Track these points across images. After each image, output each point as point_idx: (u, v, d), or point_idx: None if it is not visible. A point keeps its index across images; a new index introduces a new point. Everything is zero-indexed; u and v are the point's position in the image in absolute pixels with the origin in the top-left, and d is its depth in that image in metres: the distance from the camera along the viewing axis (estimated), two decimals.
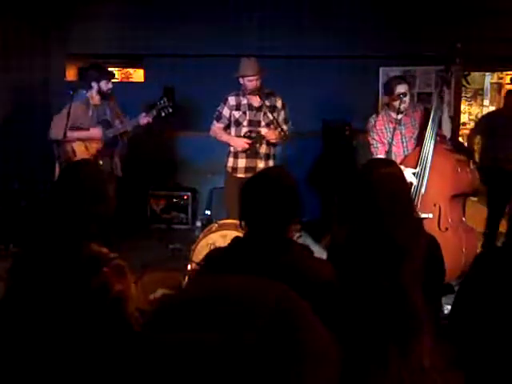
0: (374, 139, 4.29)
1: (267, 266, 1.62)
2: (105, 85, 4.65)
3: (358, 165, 5.77)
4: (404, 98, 4.09)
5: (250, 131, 4.48)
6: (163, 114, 4.70)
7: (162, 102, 4.70)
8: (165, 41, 6.16)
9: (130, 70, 8.39)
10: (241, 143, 4.46)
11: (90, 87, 4.64)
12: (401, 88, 4.10)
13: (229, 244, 1.82)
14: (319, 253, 3.07)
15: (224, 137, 4.59)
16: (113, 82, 4.75)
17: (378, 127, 4.25)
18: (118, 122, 4.73)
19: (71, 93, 4.49)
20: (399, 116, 4.18)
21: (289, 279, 1.58)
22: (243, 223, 1.80)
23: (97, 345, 1.70)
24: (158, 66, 6.37)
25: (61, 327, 1.69)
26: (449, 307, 3.99)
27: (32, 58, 6.20)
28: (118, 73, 8.26)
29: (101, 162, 4.63)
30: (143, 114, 4.67)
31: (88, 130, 4.61)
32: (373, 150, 4.32)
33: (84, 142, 4.62)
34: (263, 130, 4.47)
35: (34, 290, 1.73)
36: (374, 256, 1.67)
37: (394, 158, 4.20)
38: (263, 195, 1.77)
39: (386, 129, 4.25)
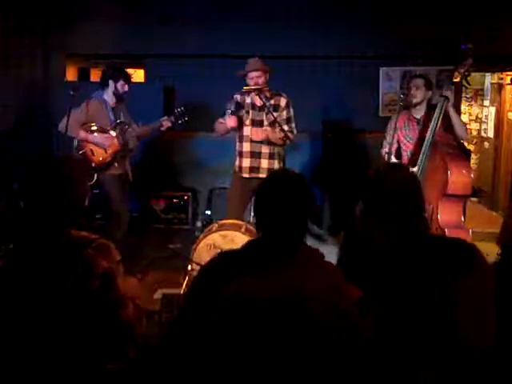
0: (389, 134, 4.42)
1: (283, 267, 1.60)
2: (121, 86, 4.63)
3: (357, 165, 5.78)
4: (416, 92, 4.25)
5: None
6: (180, 122, 4.79)
7: (180, 109, 4.78)
8: (165, 41, 6.15)
9: (130, 70, 8.37)
10: (229, 121, 4.42)
11: (107, 86, 4.63)
12: (414, 82, 4.28)
13: (242, 246, 1.78)
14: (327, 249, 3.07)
15: (221, 126, 4.54)
16: (129, 86, 4.73)
17: (398, 124, 4.33)
18: (135, 126, 4.74)
19: (72, 93, 4.49)
20: (419, 115, 4.31)
21: (304, 279, 1.58)
22: (259, 226, 1.77)
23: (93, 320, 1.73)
24: (158, 66, 6.36)
25: (54, 312, 1.72)
26: None
27: (32, 58, 6.21)
28: None
29: (116, 165, 4.64)
30: (165, 118, 4.74)
31: (105, 133, 4.61)
32: (384, 142, 4.46)
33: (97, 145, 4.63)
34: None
35: (22, 283, 1.77)
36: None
37: (405, 155, 4.30)
38: (283, 198, 1.73)
39: (405, 126, 4.37)
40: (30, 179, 1.99)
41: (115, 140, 4.63)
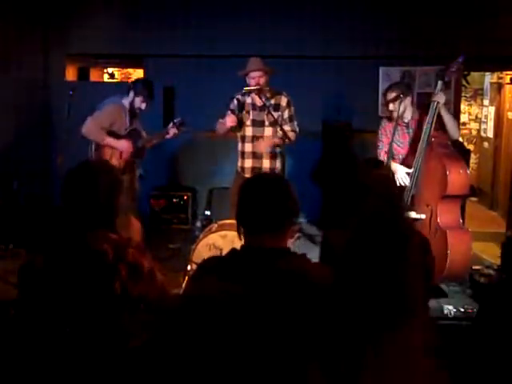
0: (381, 141, 4.42)
1: (266, 275, 1.60)
2: (139, 102, 4.58)
3: (356, 165, 5.78)
4: (392, 104, 4.16)
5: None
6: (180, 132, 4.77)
7: (177, 120, 4.74)
8: (165, 41, 6.16)
9: (130, 70, 8.38)
10: (228, 120, 4.40)
11: (127, 95, 4.61)
12: (390, 95, 4.19)
13: (226, 254, 1.78)
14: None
15: (221, 125, 4.53)
16: (146, 105, 4.65)
17: (387, 129, 4.32)
18: (146, 133, 4.73)
19: (71, 93, 4.48)
20: (406, 119, 4.26)
21: (289, 286, 1.57)
22: (240, 228, 1.75)
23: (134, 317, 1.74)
24: (158, 66, 6.36)
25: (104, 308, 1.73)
26: (449, 307, 3.97)
27: (32, 58, 6.21)
28: (117, 73, 8.27)
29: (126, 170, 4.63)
30: (170, 126, 4.71)
31: (120, 138, 4.59)
32: (378, 151, 4.43)
33: (118, 149, 4.61)
34: (267, 130, 4.46)
35: (68, 281, 1.77)
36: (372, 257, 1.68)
37: (398, 158, 4.26)
38: (261, 199, 1.72)
39: (395, 131, 4.30)
40: (67, 183, 2.00)
41: (130, 145, 4.62)
